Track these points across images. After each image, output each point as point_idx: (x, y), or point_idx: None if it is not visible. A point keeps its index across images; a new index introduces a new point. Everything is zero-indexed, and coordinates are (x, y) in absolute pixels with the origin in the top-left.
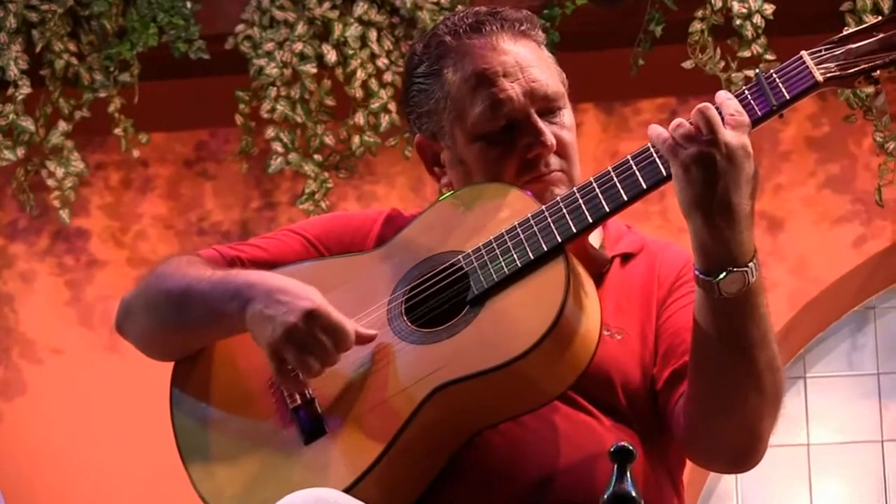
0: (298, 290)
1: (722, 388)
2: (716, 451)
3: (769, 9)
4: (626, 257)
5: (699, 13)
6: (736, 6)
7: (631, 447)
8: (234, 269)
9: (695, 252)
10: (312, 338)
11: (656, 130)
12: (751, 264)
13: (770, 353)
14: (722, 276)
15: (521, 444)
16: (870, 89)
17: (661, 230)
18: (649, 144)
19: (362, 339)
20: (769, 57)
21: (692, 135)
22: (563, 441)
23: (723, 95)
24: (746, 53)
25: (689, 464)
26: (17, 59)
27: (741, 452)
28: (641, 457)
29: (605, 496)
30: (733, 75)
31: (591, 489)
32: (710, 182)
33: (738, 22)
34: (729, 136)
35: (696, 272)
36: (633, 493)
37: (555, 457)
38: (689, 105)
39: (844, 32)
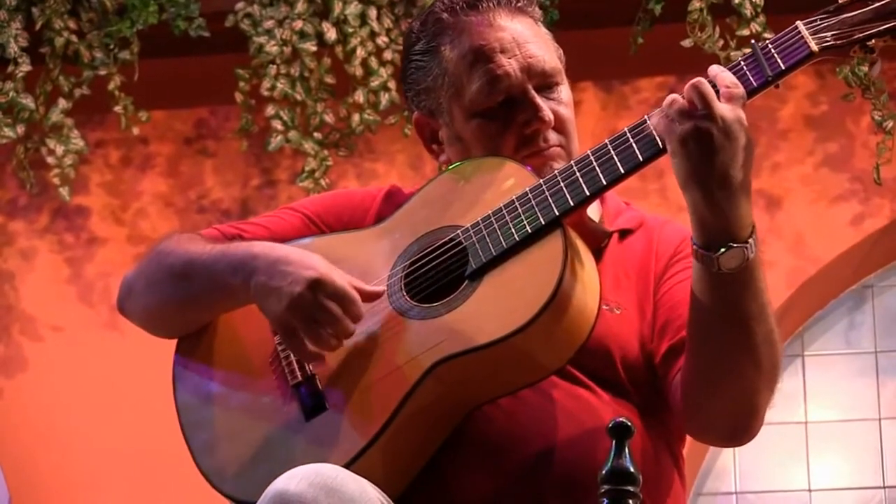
0: (302, 258)
1: (718, 362)
2: (712, 425)
3: None
4: (625, 233)
5: None
6: None
7: (629, 423)
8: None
9: (693, 226)
10: (319, 306)
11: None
12: (750, 240)
13: (767, 327)
14: (721, 251)
15: (520, 418)
16: (866, 67)
17: (660, 208)
18: (646, 117)
19: (369, 297)
20: (768, 35)
21: (686, 110)
22: (563, 416)
23: (716, 69)
24: (745, 32)
25: (689, 440)
26: (17, 37)
27: (737, 426)
28: (641, 431)
29: (603, 472)
30: (732, 54)
31: (590, 464)
32: (708, 156)
33: (736, 0)
34: (724, 109)
35: (695, 246)
36: (631, 469)
37: (554, 431)
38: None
39: (840, 2)
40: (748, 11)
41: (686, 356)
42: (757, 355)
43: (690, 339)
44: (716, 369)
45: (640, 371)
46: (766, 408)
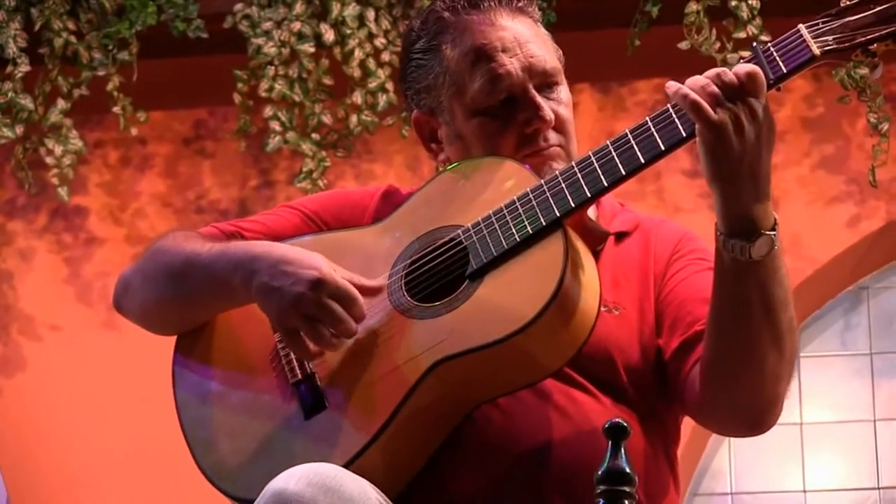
0: (303, 258)
1: (745, 350)
2: (734, 414)
3: None
4: (621, 235)
5: None
6: None
7: (625, 423)
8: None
9: (725, 217)
10: (321, 306)
11: (682, 91)
12: (776, 227)
13: (790, 315)
14: (757, 239)
15: (519, 419)
16: (864, 70)
17: (657, 209)
18: (647, 119)
19: (370, 292)
20: (764, 38)
21: (724, 96)
22: (561, 417)
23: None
24: (742, 34)
25: (682, 440)
26: (16, 37)
27: (759, 415)
28: (638, 433)
29: (600, 472)
30: (728, 56)
31: (588, 464)
32: (753, 144)
33: (733, 3)
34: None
35: (724, 237)
36: (627, 470)
37: (552, 433)
38: None
39: (842, 5)
40: (745, 14)
41: (707, 348)
42: (781, 342)
43: (714, 331)
44: (741, 358)
45: (639, 371)
46: (785, 397)
